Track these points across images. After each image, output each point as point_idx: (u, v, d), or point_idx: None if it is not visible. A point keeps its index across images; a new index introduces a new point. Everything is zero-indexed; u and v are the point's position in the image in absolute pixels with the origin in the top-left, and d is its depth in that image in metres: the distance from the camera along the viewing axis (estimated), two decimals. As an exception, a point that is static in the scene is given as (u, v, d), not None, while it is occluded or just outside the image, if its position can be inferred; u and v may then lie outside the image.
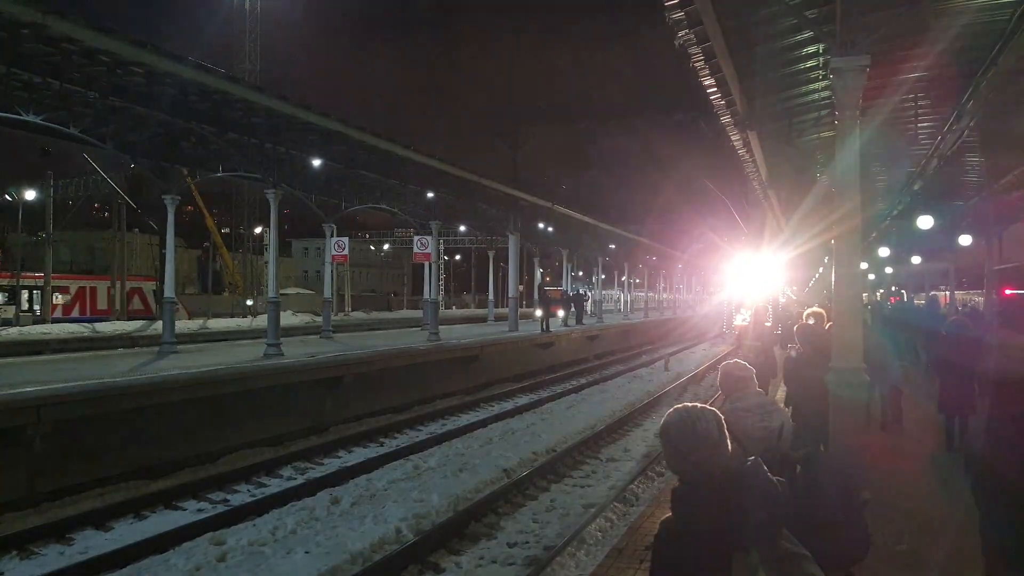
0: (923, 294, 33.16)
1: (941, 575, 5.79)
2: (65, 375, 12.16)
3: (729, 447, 2.36)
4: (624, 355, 33.69)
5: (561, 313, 34.23)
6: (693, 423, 2.35)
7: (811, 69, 12.72)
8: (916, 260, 28.99)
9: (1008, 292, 22.44)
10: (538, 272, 39.26)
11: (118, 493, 10.69)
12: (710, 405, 2.46)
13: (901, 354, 11.45)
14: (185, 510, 10.29)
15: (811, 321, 9.57)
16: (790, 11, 10.08)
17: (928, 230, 16.87)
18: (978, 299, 27.10)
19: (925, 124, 15.34)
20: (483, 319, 39.31)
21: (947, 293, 29.80)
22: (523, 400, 19.93)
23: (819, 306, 11.58)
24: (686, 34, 9.95)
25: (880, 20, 9.94)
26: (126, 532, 9.31)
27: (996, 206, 19.80)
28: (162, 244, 22.78)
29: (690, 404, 2.45)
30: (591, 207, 35.57)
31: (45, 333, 28.26)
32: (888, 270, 36.06)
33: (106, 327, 31.88)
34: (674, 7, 9.34)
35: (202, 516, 9.75)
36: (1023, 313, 17.93)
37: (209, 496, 10.88)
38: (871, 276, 37.04)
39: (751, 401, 4.02)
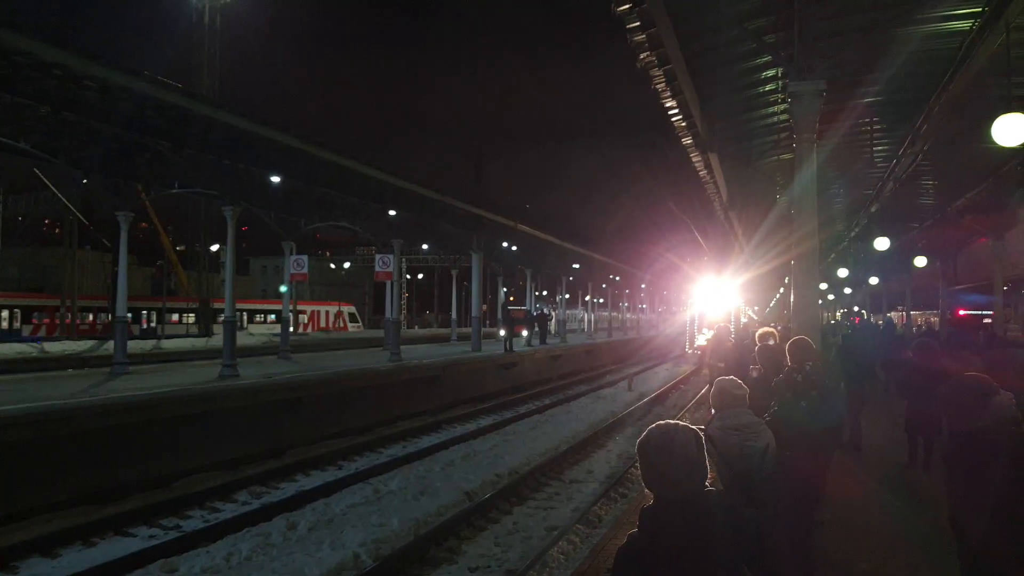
0: (882, 314, 33.88)
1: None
2: (10, 397, 11.73)
3: (708, 469, 2.31)
4: (588, 375, 33.72)
5: (525, 333, 34.17)
6: (672, 441, 2.31)
7: (770, 92, 12.95)
8: (874, 281, 29.61)
9: (961, 313, 23.03)
10: (502, 291, 39.15)
11: (66, 519, 10.30)
12: (700, 421, 2.44)
13: (860, 374, 11.53)
14: (136, 536, 9.95)
15: (767, 341, 9.61)
16: (749, 36, 10.26)
17: (885, 251, 17.21)
18: (934, 319, 27.77)
19: (880, 148, 15.71)
20: (446, 338, 39.07)
21: (903, 313, 30.46)
22: (486, 421, 19.76)
23: (771, 326, 11.66)
24: (647, 56, 10.06)
25: (836, 46, 10.16)
26: (74, 560, 8.97)
27: (950, 229, 20.30)
28: (115, 262, 22.25)
29: (672, 421, 2.41)
30: (555, 227, 35.68)
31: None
32: (847, 290, 36.76)
33: (55, 347, 30.98)
34: (636, 30, 9.44)
35: (154, 543, 9.45)
36: (975, 333, 18.33)
37: (161, 522, 10.54)
38: (831, 296, 37.72)
39: (740, 420, 4.07)
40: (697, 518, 2.20)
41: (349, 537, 9.13)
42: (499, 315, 35.52)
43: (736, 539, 2.23)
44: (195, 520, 10.73)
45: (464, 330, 38.48)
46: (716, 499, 2.29)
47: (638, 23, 9.26)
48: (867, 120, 14.03)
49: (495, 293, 46.29)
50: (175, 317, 49.40)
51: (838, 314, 41.38)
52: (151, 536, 9.95)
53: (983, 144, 11.39)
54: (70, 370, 21.26)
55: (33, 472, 10.53)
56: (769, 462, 3.96)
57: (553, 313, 43.94)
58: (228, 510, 11.23)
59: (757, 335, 7.07)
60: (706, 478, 2.31)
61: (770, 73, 12.10)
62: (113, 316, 17.06)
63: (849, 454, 10.32)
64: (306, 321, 60.70)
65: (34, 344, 31.76)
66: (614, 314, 56.53)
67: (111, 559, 8.67)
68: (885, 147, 15.73)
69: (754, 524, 2.34)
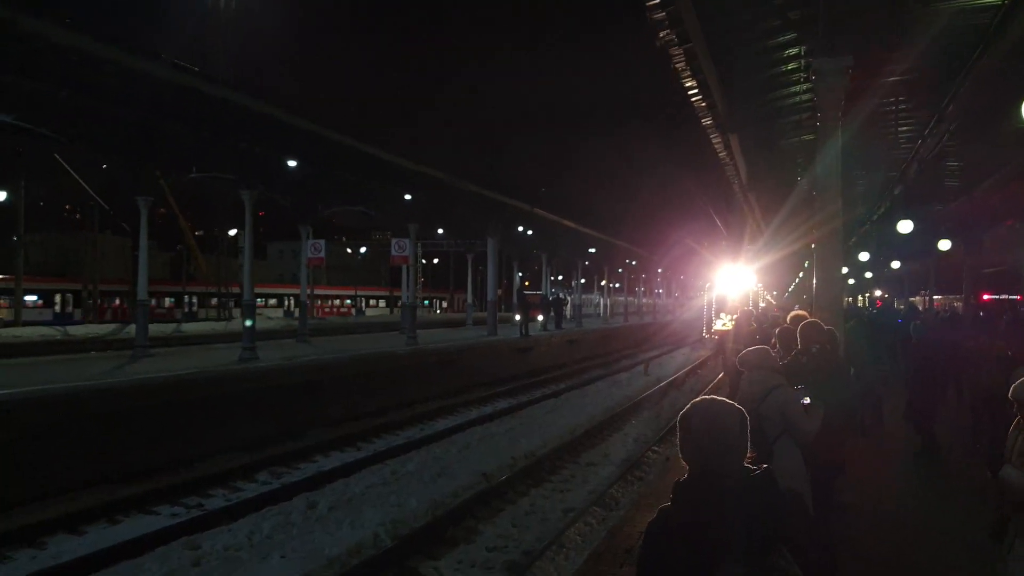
0: (904, 299, 33.51)
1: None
2: (36, 378, 11.86)
3: (747, 449, 2.27)
4: (604, 359, 33.65)
5: (540, 318, 34.13)
6: (716, 416, 2.29)
7: (793, 71, 12.74)
8: (896, 265, 29.23)
9: (986, 297, 22.71)
10: (517, 276, 39.09)
11: (91, 497, 10.39)
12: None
13: (880, 357, 11.40)
14: (159, 514, 10.03)
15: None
16: (773, 12, 10.08)
17: (908, 234, 16.96)
18: (958, 303, 27.46)
19: (905, 128, 15.45)
20: (461, 323, 39.11)
21: (926, 297, 30.10)
22: (502, 404, 19.76)
23: (800, 308, 11.56)
24: (667, 34, 9.90)
25: (862, 22, 9.96)
26: (99, 537, 9.06)
27: (976, 210, 19.97)
28: (135, 246, 22.42)
29: (718, 397, 2.40)
30: (571, 211, 35.49)
31: (16, 336, 27.71)
32: (868, 275, 36.38)
33: (78, 330, 31.33)
34: (656, 7, 9.29)
35: (177, 521, 9.54)
36: (999, 318, 18.06)
37: (184, 501, 10.62)
38: (851, 280, 37.31)
39: (760, 374, 5.06)
40: (731, 498, 2.16)
41: (368, 517, 9.19)
42: (514, 300, 35.50)
43: (767, 520, 2.19)
44: (217, 499, 10.80)
45: (480, 314, 38.51)
46: (752, 479, 2.24)
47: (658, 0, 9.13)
48: (892, 99, 13.78)
49: (510, 278, 46.23)
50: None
51: (860, 298, 40.99)
52: (174, 515, 10.03)
53: (1011, 124, 11.18)
54: (93, 353, 21.51)
55: (57, 452, 10.64)
56: (768, 407, 4.75)
57: (569, 298, 43.84)
58: (249, 489, 11.30)
59: (789, 317, 7.11)
60: (744, 458, 2.27)
61: (793, 51, 11.88)
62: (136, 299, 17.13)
63: (867, 437, 10.23)
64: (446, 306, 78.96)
65: (57, 327, 32.11)
66: (630, 299, 56.37)
67: (135, 536, 8.74)
68: (910, 127, 15.46)
69: (787, 506, 2.29)
